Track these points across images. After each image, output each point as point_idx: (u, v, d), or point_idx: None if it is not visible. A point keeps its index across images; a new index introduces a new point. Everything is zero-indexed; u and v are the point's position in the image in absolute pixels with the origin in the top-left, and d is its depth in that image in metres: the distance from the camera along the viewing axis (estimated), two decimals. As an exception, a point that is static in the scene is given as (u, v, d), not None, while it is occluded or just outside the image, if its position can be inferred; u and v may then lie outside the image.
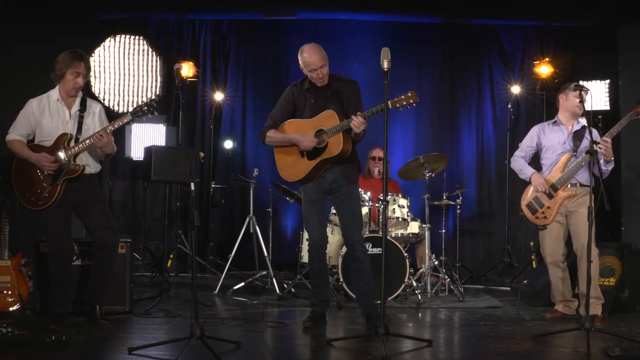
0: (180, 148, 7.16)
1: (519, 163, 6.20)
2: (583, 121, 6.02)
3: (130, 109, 5.42)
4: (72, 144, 5.35)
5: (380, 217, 7.17)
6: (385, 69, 4.95)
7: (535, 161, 6.27)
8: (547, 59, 8.96)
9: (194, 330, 4.44)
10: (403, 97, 5.07)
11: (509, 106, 9.00)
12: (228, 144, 9.04)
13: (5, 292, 5.80)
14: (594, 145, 5.18)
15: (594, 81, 8.44)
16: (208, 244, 9.11)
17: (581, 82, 8.84)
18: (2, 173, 5.96)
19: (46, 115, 5.41)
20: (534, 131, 6.22)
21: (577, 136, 5.93)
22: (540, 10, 8.59)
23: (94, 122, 5.45)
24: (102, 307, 5.57)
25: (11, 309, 5.78)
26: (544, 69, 8.93)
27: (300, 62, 5.40)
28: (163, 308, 6.19)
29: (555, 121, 6.12)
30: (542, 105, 9.02)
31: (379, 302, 5.45)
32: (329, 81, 5.42)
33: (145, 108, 5.22)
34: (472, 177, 9.42)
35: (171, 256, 8.76)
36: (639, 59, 7.98)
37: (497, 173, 9.42)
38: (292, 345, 5.05)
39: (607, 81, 8.49)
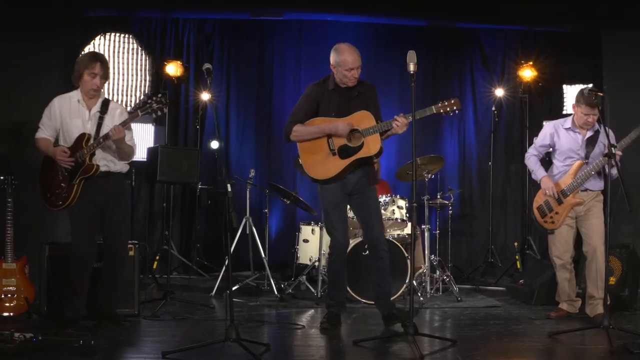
0: (186, 148, 7.07)
1: (532, 162, 6.23)
2: (597, 126, 6.08)
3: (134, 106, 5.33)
4: (90, 143, 5.28)
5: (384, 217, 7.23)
6: (412, 72, 5.01)
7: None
8: (530, 63, 9.10)
9: (229, 332, 4.41)
10: (447, 103, 5.19)
11: (493, 108, 9.14)
12: (214, 144, 8.95)
13: (10, 295, 5.66)
14: (612, 149, 5.29)
15: (577, 85, 8.61)
16: (194, 245, 9.00)
17: (564, 86, 9.20)
18: (4, 173, 5.84)
19: (66, 115, 5.37)
20: (547, 131, 6.21)
21: (590, 142, 6.00)
22: (525, 15, 8.75)
23: (113, 122, 5.36)
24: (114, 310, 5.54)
25: (16, 313, 5.65)
26: (527, 73, 9.07)
27: (332, 60, 5.36)
28: (168, 310, 6.12)
29: (570, 127, 6.11)
30: (525, 108, 9.19)
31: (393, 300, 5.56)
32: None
33: (155, 105, 5.18)
34: (454, 178, 9.52)
35: (157, 257, 8.67)
36: (624, 63, 8.18)
37: (478, 174, 9.55)
38: (319, 346, 5.06)
39: (591, 85, 8.67)
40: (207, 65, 4.74)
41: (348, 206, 5.69)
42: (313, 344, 5.09)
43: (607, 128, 5.50)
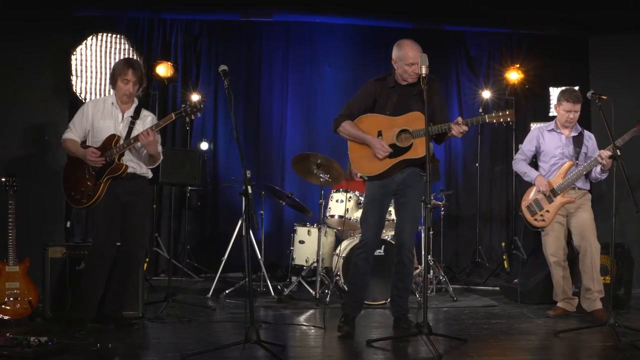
0: (187, 150, 7.03)
1: (522, 165, 6.42)
2: (579, 128, 6.31)
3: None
4: (119, 144, 5.29)
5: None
6: (424, 75, 5.04)
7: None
8: (516, 65, 9.23)
9: (249, 334, 4.42)
10: (500, 114, 5.15)
11: (480, 110, 9.24)
12: (204, 146, 8.92)
13: (13, 299, 5.57)
14: (618, 151, 5.44)
15: (563, 88, 8.72)
16: (183, 246, 8.94)
17: (550, 89, 9.35)
18: (8, 175, 5.77)
19: (99, 117, 5.40)
20: (533, 134, 6.45)
21: (577, 143, 6.21)
22: (510, 18, 8.87)
23: (144, 127, 5.35)
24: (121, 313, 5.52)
25: (20, 316, 5.56)
26: (514, 75, 9.19)
27: (394, 55, 5.33)
28: (170, 313, 6.08)
29: (552, 128, 6.35)
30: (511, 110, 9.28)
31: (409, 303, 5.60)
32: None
33: (189, 109, 5.24)
34: (441, 179, 9.59)
35: (147, 259, 8.59)
36: (611, 67, 8.34)
37: (464, 175, 9.67)
38: (333, 347, 5.07)
39: (577, 88, 8.82)
40: (222, 67, 4.73)
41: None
42: (327, 345, 5.10)
43: (611, 131, 5.59)
